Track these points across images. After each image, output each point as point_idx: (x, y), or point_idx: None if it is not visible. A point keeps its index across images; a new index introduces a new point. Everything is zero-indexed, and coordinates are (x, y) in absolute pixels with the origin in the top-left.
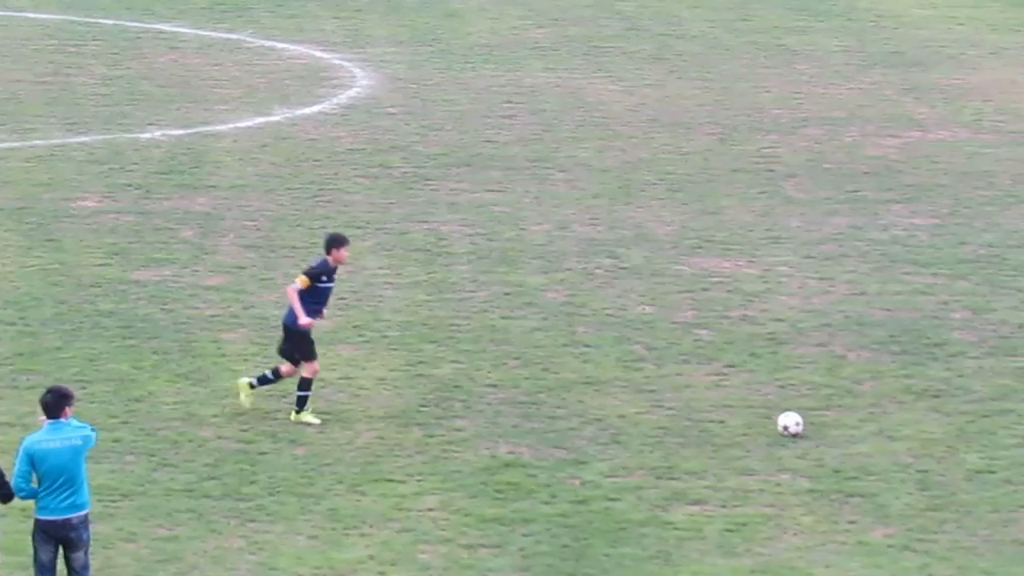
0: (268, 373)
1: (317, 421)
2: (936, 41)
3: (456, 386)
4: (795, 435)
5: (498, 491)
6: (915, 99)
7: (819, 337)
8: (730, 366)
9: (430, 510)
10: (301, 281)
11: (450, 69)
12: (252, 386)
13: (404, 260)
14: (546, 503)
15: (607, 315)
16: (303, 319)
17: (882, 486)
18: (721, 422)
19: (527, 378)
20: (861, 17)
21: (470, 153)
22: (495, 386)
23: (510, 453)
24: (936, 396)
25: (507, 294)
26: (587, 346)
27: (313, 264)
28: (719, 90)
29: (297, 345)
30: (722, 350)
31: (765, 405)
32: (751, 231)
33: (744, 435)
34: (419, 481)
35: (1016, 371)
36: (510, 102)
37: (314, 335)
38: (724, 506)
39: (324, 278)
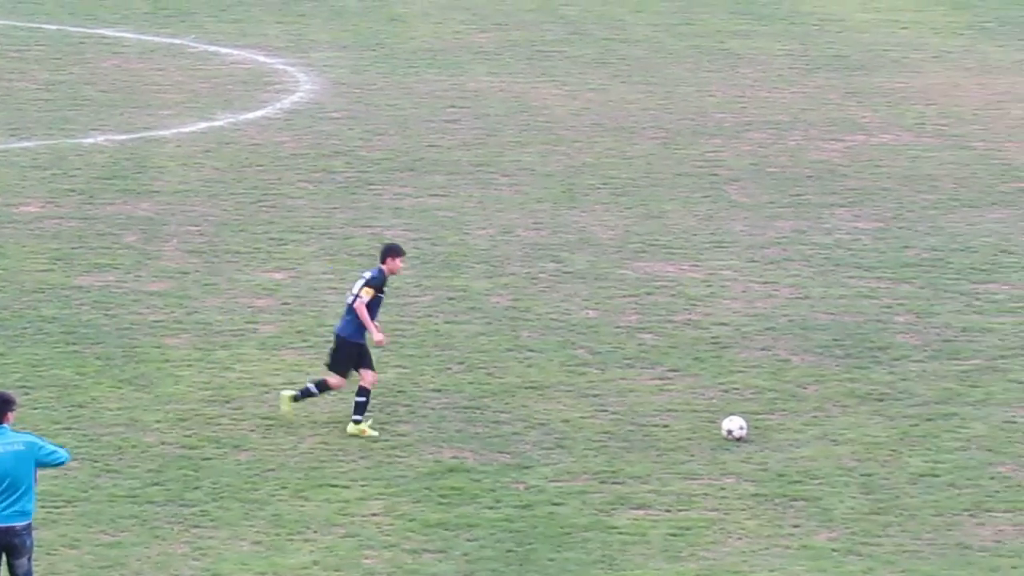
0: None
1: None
2: (879, 45)
3: (400, 391)
4: (739, 439)
5: (442, 496)
6: (858, 103)
7: (763, 341)
8: (674, 370)
9: (374, 515)
10: (368, 293)
11: (394, 74)
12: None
13: (348, 265)
14: (490, 508)
15: (551, 319)
16: (377, 336)
17: (826, 490)
18: (665, 426)
19: (471, 383)
20: (804, 21)
21: (414, 158)
22: (439, 391)
23: (454, 458)
24: (880, 400)
25: (451, 299)
26: (531, 351)
27: (373, 274)
28: (663, 94)
29: (356, 357)
30: (666, 354)
31: (709, 409)
32: (695, 235)
33: (688, 439)
34: (363, 486)
35: (959, 374)
36: (454, 107)
37: (259, 339)
38: (668, 510)
39: (383, 289)
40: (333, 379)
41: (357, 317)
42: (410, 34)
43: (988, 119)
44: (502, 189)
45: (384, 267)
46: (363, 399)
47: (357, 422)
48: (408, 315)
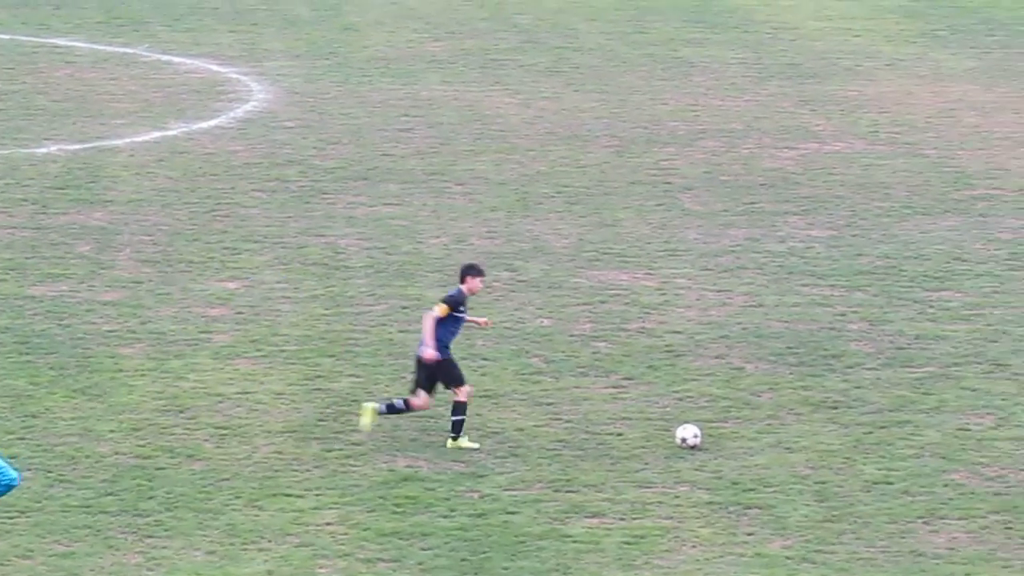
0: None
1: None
2: (832, 53)
3: (354, 400)
4: (693, 447)
5: (396, 505)
6: (811, 111)
7: (717, 349)
8: (628, 378)
9: (328, 524)
10: (441, 309)
11: (347, 83)
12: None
13: (302, 274)
14: (445, 517)
15: (505, 328)
16: (429, 351)
17: (780, 498)
18: (619, 435)
19: None
20: (757, 29)
21: (367, 167)
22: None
23: (408, 467)
24: (833, 407)
25: (405, 308)
26: (485, 359)
27: (451, 292)
28: (616, 102)
29: (444, 374)
30: (620, 363)
31: (663, 417)
32: (648, 243)
33: (642, 447)
34: (317, 495)
35: (913, 382)
36: (407, 115)
37: (213, 348)
38: (622, 519)
39: (460, 308)
40: (460, 392)
41: (434, 335)
42: (363, 43)
43: (941, 127)
44: (456, 198)
45: (464, 287)
46: (403, 408)
47: (376, 413)
48: (362, 324)
